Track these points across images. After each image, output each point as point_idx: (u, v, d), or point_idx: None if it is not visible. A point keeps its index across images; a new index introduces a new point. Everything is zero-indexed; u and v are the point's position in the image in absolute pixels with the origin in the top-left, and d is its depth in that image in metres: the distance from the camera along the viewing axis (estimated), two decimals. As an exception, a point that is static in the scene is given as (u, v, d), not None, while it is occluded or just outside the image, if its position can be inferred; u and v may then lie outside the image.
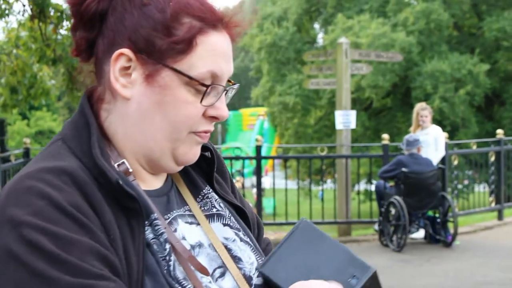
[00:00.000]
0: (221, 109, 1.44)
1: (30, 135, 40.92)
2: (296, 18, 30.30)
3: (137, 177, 1.43)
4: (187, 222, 1.47)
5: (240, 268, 1.48)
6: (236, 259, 1.49)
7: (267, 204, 22.37)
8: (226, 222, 1.54)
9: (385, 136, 12.96)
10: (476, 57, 26.05)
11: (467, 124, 26.21)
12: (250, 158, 13.78)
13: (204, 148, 1.54)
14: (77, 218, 1.25)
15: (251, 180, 19.42)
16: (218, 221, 1.53)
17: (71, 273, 1.19)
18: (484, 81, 25.63)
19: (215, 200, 1.57)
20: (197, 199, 1.55)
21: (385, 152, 12.61)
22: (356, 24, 26.44)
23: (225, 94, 1.46)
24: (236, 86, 1.50)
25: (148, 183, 1.47)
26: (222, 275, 1.44)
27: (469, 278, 9.11)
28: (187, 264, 1.37)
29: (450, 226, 11.06)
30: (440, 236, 11.07)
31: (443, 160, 12.02)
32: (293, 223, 1.55)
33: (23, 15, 11.36)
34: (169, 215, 1.45)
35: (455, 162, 13.26)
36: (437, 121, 23.62)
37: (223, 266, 1.46)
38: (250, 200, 20.57)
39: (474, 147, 14.19)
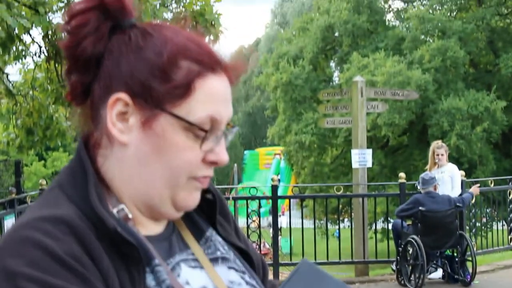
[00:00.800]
0: (221, 153, 1.40)
1: (47, 175, 41.09)
2: (312, 56, 30.41)
3: (137, 223, 1.40)
4: (190, 266, 1.43)
5: None
6: None
7: (284, 243, 22.27)
8: (231, 265, 1.51)
9: (402, 174, 12.91)
10: (493, 94, 26.01)
11: (485, 161, 26.09)
12: (266, 198, 13.73)
13: (206, 190, 1.51)
14: (74, 268, 1.22)
15: (268, 219, 19.36)
16: (223, 264, 1.49)
17: None
18: (501, 118, 25.56)
19: (219, 243, 1.54)
20: (200, 242, 1.51)
21: (401, 191, 12.53)
22: (372, 62, 26.49)
23: (225, 138, 1.43)
24: (235, 130, 1.47)
25: (149, 228, 1.43)
26: None
27: (489, 318, 8.99)
28: None
29: (469, 265, 10.94)
30: (458, 275, 10.96)
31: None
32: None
33: (39, 56, 11.45)
34: (171, 260, 1.41)
35: (473, 200, 13.16)
36: (454, 158, 23.54)
37: None
38: (267, 239, 20.50)
39: (492, 185, 14.08)
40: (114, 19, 1.37)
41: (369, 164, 13.85)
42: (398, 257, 11.14)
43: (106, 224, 1.29)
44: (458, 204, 10.84)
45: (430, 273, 11.14)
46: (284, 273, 14.95)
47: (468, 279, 10.82)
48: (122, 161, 1.38)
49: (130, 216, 1.37)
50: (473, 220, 13.39)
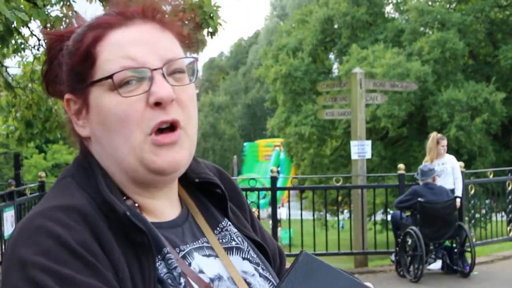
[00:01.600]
0: (157, 91, 1.36)
1: (47, 168, 41.07)
2: (311, 48, 30.41)
3: (146, 211, 1.42)
4: (204, 255, 1.45)
5: None
6: None
7: (284, 235, 22.30)
8: (246, 256, 1.52)
9: (401, 166, 12.92)
10: (492, 86, 26.01)
11: (484, 153, 26.10)
12: (265, 189, 13.74)
13: (215, 185, 1.55)
14: (85, 258, 1.25)
15: (267, 211, 19.39)
16: (237, 254, 1.51)
17: None
18: (500, 109, 25.56)
19: (234, 234, 1.55)
20: (215, 231, 1.52)
21: (401, 182, 12.54)
22: (371, 54, 26.48)
23: (163, 76, 1.39)
24: (181, 58, 1.44)
25: (159, 215, 1.44)
26: None
27: (488, 309, 9.02)
28: None
29: (468, 256, 10.95)
30: (457, 266, 10.97)
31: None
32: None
33: (38, 49, 11.44)
34: (184, 247, 1.42)
35: (472, 191, 13.18)
36: (453, 150, 23.56)
37: None
38: (267, 231, 20.53)
39: (491, 176, 14.09)
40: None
41: (369, 156, 13.85)
42: (397, 248, 11.16)
43: (116, 210, 1.32)
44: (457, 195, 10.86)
45: (429, 264, 11.16)
46: (284, 265, 14.99)
47: (467, 270, 10.83)
48: (95, 152, 1.44)
49: (136, 204, 1.42)
50: (472, 211, 13.40)
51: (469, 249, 10.88)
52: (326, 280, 1.43)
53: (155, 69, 1.37)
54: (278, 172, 13.59)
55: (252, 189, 12.68)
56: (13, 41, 10.84)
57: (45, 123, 12.40)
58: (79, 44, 1.40)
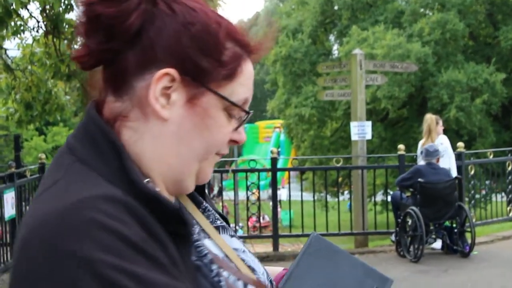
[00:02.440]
0: (242, 133, 1.43)
1: (47, 150, 41.13)
2: (311, 30, 30.33)
3: None
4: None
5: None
6: (251, 269, 1.46)
7: (284, 216, 22.35)
8: (232, 233, 1.52)
9: (401, 146, 12.94)
10: (492, 66, 25.97)
11: (484, 133, 26.10)
12: (265, 170, 13.76)
13: None
14: (148, 254, 1.15)
15: (267, 192, 19.41)
16: (224, 232, 1.50)
17: None
18: (500, 90, 25.53)
19: (213, 213, 1.54)
20: (200, 212, 1.51)
21: (401, 163, 12.56)
22: (371, 35, 26.40)
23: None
24: (251, 113, 1.47)
25: None
26: (245, 286, 1.41)
27: (487, 288, 9.05)
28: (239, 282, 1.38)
29: (468, 236, 10.99)
30: (457, 246, 11.00)
31: (459, 170, 11.97)
32: (309, 235, 1.53)
33: (37, 31, 11.43)
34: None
35: (472, 172, 13.20)
36: (454, 131, 23.58)
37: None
38: (267, 212, 20.56)
39: (491, 157, 14.10)
40: None
41: (369, 137, 13.86)
42: (397, 229, 11.19)
43: (164, 205, 1.24)
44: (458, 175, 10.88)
45: (429, 244, 11.19)
46: (284, 245, 15.06)
47: (467, 250, 10.87)
48: (158, 137, 1.32)
49: (158, 189, 1.31)
50: (472, 192, 13.43)
51: (469, 229, 10.90)
52: (342, 264, 1.45)
53: (248, 113, 1.43)
54: (278, 153, 13.58)
55: (252, 170, 12.70)
56: (12, 23, 10.83)
57: (44, 105, 12.42)
58: (227, 52, 1.34)
